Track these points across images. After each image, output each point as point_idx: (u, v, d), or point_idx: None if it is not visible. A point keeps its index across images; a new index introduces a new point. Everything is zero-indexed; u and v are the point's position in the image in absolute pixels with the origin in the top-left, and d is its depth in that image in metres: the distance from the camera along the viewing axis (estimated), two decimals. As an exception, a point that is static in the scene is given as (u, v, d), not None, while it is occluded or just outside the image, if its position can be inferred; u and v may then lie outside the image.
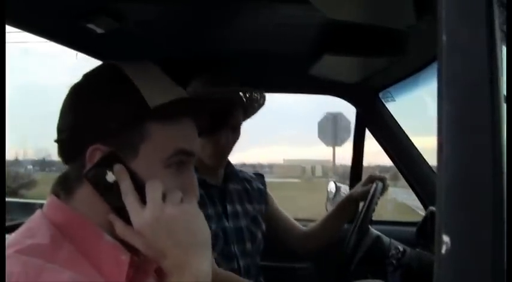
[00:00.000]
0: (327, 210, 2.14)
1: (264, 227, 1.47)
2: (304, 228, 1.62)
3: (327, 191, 2.16)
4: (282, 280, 1.86)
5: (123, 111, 0.66)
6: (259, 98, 1.40)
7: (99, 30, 1.13)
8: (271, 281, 1.59)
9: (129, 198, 0.63)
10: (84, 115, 0.66)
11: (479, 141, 0.42)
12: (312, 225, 1.64)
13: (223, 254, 1.30)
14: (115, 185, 0.64)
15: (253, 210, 1.46)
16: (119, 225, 0.65)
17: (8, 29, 1.05)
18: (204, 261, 0.66)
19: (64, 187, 0.69)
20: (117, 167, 0.64)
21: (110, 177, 0.64)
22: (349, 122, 9.11)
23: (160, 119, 0.67)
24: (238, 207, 1.41)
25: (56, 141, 0.69)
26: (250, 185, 1.49)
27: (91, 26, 1.10)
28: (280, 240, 1.56)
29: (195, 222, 0.67)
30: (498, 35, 0.44)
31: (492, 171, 0.41)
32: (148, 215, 0.63)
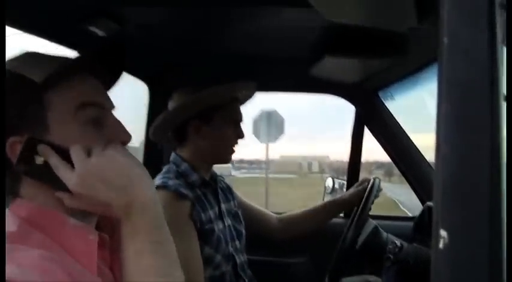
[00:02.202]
0: None
1: (243, 222, 1.50)
2: (277, 215, 1.65)
3: (325, 186, 2.18)
4: (278, 275, 1.88)
5: (17, 98, 0.67)
6: (251, 91, 1.44)
7: (100, 33, 1.13)
8: (268, 276, 1.61)
9: (60, 169, 0.65)
10: None
11: (479, 140, 0.42)
12: (291, 214, 1.67)
13: (223, 254, 1.31)
14: (46, 165, 0.66)
15: (234, 207, 1.49)
16: (66, 198, 0.67)
17: (11, 31, 1.06)
18: (147, 194, 0.68)
19: (13, 190, 0.70)
20: (40, 147, 0.66)
21: (39, 159, 0.66)
22: (282, 119, 9.19)
23: (54, 86, 0.68)
24: (224, 206, 1.43)
25: None
26: (221, 184, 1.51)
27: (92, 28, 1.10)
28: (254, 229, 1.58)
29: (122, 162, 0.68)
30: (499, 36, 0.44)
31: (490, 168, 0.41)
32: (76, 174, 0.65)
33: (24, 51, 0.75)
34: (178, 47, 1.42)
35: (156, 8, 1.07)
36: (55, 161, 0.66)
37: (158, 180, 1.29)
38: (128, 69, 1.53)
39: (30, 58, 0.73)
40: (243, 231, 1.47)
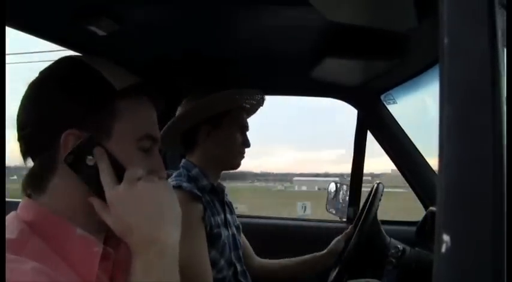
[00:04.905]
0: (327, 209, 2.15)
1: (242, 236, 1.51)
2: (259, 259, 1.60)
3: (327, 191, 2.17)
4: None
5: (91, 93, 0.68)
6: (259, 99, 1.45)
7: (100, 33, 1.13)
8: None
9: (106, 177, 0.66)
10: (51, 106, 0.68)
11: (481, 142, 0.42)
12: (272, 262, 1.60)
13: (226, 260, 1.33)
14: (94, 167, 0.66)
15: (235, 220, 1.50)
16: (97, 204, 0.67)
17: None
18: (171, 237, 0.67)
19: (34, 185, 0.70)
20: (98, 150, 0.66)
21: (90, 160, 0.66)
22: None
23: (129, 98, 0.70)
24: (229, 216, 1.44)
25: (19, 139, 0.70)
26: (226, 198, 1.50)
27: (92, 28, 1.10)
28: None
29: (167, 198, 0.69)
30: (500, 36, 0.44)
31: (492, 171, 0.41)
32: (121, 188, 0.65)
33: (104, 58, 0.77)
34: (177, 46, 1.42)
35: (155, 7, 1.07)
36: (105, 167, 0.66)
37: (171, 181, 1.31)
38: (127, 69, 1.53)
39: (112, 66, 0.75)
40: (241, 243, 1.48)
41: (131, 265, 0.66)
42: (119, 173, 0.67)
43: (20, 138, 0.70)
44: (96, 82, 0.69)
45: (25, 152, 0.70)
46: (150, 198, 0.66)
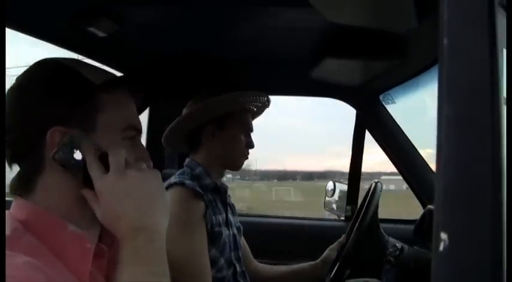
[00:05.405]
0: (325, 208, 2.15)
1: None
2: (258, 263, 1.60)
3: (325, 190, 2.17)
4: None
5: (73, 91, 0.69)
6: (264, 101, 1.46)
7: (100, 34, 1.13)
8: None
9: (93, 168, 0.66)
10: (35, 108, 0.68)
11: (480, 142, 0.42)
12: (272, 268, 1.61)
13: (226, 259, 1.33)
14: (83, 161, 0.67)
15: (237, 221, 1.50)
16: (90, 196, 0.67)
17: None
18: (160, 225, 0.68)
19: (23, 187, 0.70)
20: (84, 144, 0.67)
21: (77, 154, 0.67)
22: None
23: (110, 92, 0.71)
24: (230, 216, 1.45)
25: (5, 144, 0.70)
26: (229, 199, 1.50)
27: (92, 29, 1.10)
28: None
29: (156, 187, 0.69)
30: (500, 36, 0.44)
31: (491, 171, 0.41)
32: (110, 177, 0.66)
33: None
34: (177, 47, 1.42)
35: (155, 8, 1.07)
36: (92, 159, 0.67)
37: (174, 178, 1.32)
38: (126, 70, 1.53)
39: (91, 65, 0.77)
40: (241, 244, 1.48)
41: (119, 254, 0.66)
42: (107, 164, 0.67)
43: (6, 143, 0.69)
44: (77, 80, 0.70)
45: (12, 157, 0.70)
46: (139, 186, 0.67)
